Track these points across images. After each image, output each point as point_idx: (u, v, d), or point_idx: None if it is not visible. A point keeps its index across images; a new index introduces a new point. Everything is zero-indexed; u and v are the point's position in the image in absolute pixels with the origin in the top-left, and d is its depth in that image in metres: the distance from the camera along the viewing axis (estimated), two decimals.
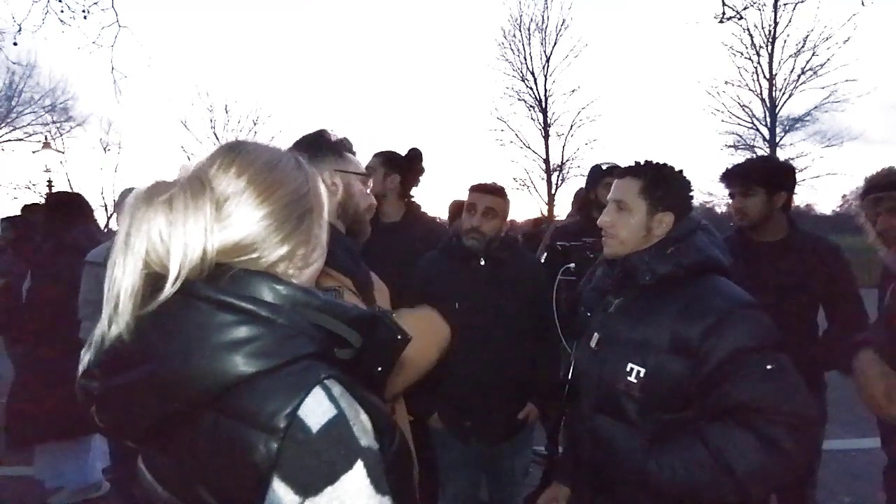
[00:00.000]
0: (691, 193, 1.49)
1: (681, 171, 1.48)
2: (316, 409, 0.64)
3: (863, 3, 6.09)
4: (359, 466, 0.64)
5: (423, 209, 2.76)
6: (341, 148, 1.36)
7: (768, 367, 1.23)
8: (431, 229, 2.67)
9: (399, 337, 0.80)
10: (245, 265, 0.72)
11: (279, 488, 0.62)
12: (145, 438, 0.73)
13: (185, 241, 0.67)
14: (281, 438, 0.62)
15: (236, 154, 0.75)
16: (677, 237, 1.41)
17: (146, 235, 0.67)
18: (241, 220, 0.71)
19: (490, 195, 2.18)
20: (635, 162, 1.50)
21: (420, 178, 2.74)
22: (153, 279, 0.68)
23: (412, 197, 2.67)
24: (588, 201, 3.04)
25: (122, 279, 0.67)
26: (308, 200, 0.79)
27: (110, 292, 0.68)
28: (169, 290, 0.66)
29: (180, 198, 0.68)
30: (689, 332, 1.28)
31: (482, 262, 2.17)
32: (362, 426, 0.67)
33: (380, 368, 0.79)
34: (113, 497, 3.22)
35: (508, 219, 2.33)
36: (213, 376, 0.64)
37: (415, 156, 2.68)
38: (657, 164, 1.48)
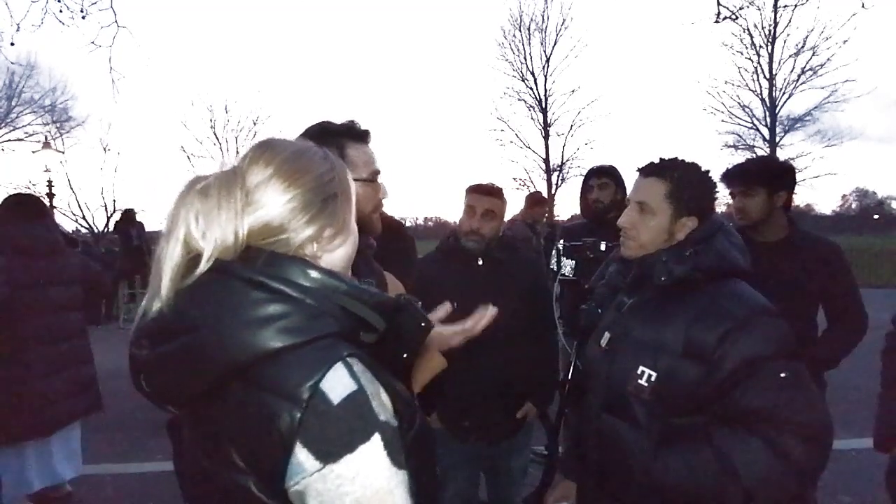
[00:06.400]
0: (716, 195, 1.42)
1: (707, 173, 1.41)
2: (337, 384, 0.69)
3: (863, 6, 6.08)
4: (376, 439, 0.68)
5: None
6: (343, 147, 1.30)
7: (782, 375, 1.20)
8: (394, 230, 2.78)
9: (423, 324, 0.85)
10: (276, 246, 0.78)
11: (300, 454, 0.67)
12: (186, 405, 0.79)
13: (218, 223, 0.74)
14: (304, 408, 0.67)
15: (266, 148, 0.83)
16: (698, 239, 1.35)
17: (185, 220, 0.75)
18: (269, 203, 0.78)
19: (489, 197, 2.18)
20: (660, 159, 1.40)
21: None
22: (192, 261, 0.75)
23: None
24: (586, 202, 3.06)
25: (165, 260, 0.75)
26: (333, 186, 0.84)
27: (155, 271, 0.76)
28: (203, 266, 0.73)
29: (215, 186, 0.77)
30: (705, 337, 1.24)
31: (480, 263, 2.17)
32: (381, 403, 0.72)
33: (405, 354, 0.85)
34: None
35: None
36: (245, 348, 0.69)
37: None
38: (685, 164, 1.39)
